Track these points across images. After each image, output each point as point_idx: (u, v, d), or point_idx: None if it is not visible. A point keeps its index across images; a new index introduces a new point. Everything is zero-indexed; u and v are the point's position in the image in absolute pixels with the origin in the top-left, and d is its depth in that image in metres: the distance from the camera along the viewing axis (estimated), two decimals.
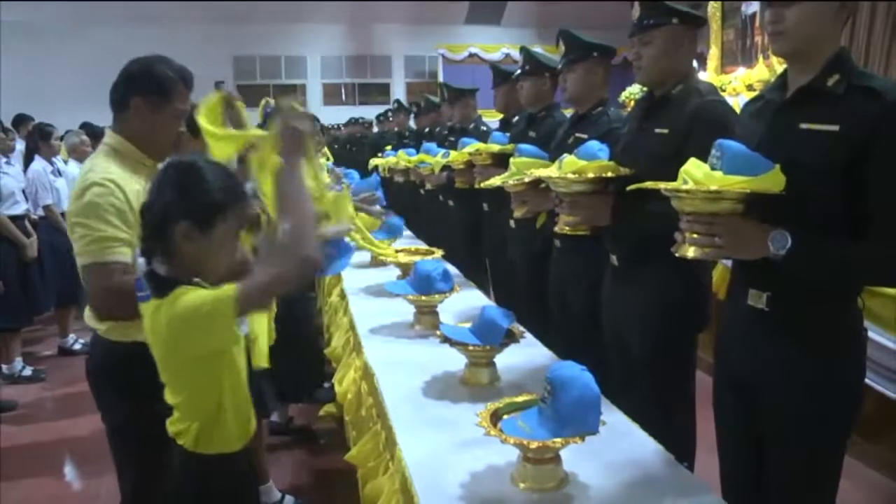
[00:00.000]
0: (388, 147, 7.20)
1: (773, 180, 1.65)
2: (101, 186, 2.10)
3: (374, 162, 6.53)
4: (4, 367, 5.48)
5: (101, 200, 2.08)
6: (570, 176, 2.32)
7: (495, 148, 3.69)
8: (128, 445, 2.19)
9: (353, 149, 10.70)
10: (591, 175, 2.31)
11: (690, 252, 1.75)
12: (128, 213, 2.09)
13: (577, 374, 1.70)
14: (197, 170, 1.70)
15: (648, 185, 1.86)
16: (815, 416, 1.79)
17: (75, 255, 2.11)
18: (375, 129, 9.78)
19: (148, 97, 2.22)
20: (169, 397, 1.75)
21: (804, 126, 1.75)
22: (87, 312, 2.23)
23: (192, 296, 1.59)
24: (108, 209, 2.07)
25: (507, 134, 3.90)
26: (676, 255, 1.79)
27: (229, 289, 1.59)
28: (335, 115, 16.07)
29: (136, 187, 2.13)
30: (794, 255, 1.66)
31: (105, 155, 2.23)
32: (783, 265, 1.68)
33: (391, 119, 9.51)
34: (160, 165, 2.01)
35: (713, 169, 1.71)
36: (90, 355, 2.32)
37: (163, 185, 1.68)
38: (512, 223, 3.73)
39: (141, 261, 1.68)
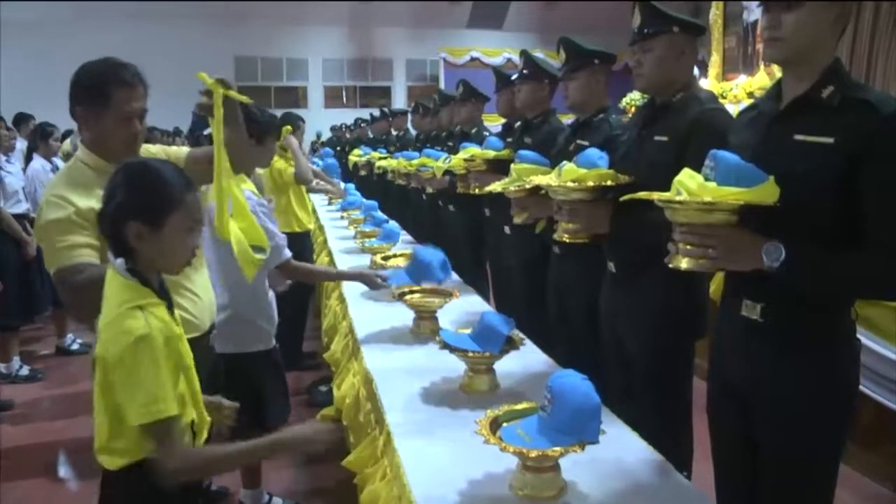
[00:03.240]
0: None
1: (767, 192, 1.65)
2: (51, 204, 2.16)
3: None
4: (2, 366, 5.47)
5: (56, 215, 2.14)
6: (570, 184, 2.32)
7: (490, 154, 3.70)
8: None
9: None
10: (590, 183, 2.31)
11: (684, 263, 1.75)
12: (84, 221, 2.13)
13: (578, 383, 1.70)
14: (143, 170, 1.73)
15: (642, 195, 1.85)
16: (810, 425, 1.80)
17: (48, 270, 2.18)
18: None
19: (87, 105, 2.22)
20: (100, 402, 1.70)
21: (798, 137, 1.75)
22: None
23: (148, 355, 1.58)
24: (63, 221, 2.12)
25: (507, 139, 3.91)
26: (670, 266, 1.79)
27: (171, 411, 1.59)
28: (336, 118, 16.09)
29: (92, 202, 2.15)
30: (788, 267, 1.66)
31: (61, 175, 2.28)
32: (777, 277, 1.68)
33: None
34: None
35: (707, 180, 1.70)
36: None
37: (112, 188, 1.69)
38: (507, 229, 3.73)
39: (120, 261, 1.68)
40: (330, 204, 7.08)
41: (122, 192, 1.67)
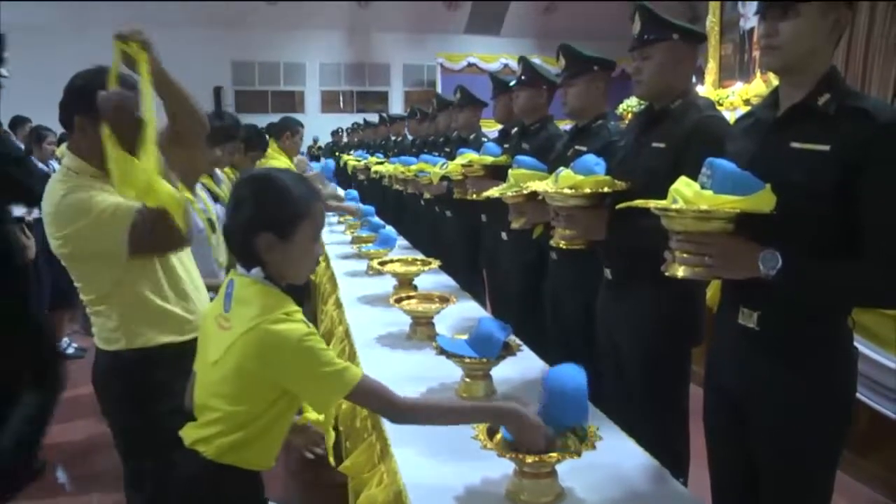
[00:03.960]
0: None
1: (763, 200, 1.65)
2: (74, 189, 2.15)
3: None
4: None
5: (80, 196, 2.13)
6: (567, 191, 2.33)
7: (488, 160, 3.70)
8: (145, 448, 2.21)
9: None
10: (587, 190, 2.31)
11: (680, 271, 1.75)
12: (98, 176, 2.18)
13: (568, 372, 1.77)
14: (271, 181, 1.73)
15: (639, 203, 1.86)
16: (807, 433, 1.80)
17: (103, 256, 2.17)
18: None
19: (85, 113, 2.19)
20: (213, 402, 1.71)
21: (795, 145, 1.76)
22: (97, 333, 2.31)
23: (317, 344, 1.62)
24: (91, 194, 2.13)
25: (504, 145, 3.91)
26: (667, 274, 1.79)
27: (356, 373, 1.64)
28: (333, 123, 16.11)
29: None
30: (784, 275, 1.66)
31: (56, 179, 2.24)
32: (774, 285, 1.68)
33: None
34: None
35: (703, 188, 1.70)
36: (97, 366, 2.35)
37: (239, 201, 1.71)
38: (504, 235, 3.73)
39: (256, 271, 1.70)
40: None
41: (251, 204, 1.68)
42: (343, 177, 9.05)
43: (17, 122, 8.15)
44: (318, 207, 1.75)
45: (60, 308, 6.01)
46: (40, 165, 6.14)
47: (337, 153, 11.71)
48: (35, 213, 5.82)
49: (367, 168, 7.44)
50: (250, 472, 1.76)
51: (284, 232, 1.67)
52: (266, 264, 1.69)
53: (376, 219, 5.21)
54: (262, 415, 1.68)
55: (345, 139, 12.97)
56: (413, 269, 3.65)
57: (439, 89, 18.70)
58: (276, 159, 5.11)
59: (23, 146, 6.71)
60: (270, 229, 1.66)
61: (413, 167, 5.25)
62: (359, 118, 12.54)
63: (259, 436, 1.70)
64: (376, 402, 1.71)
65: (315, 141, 16.95)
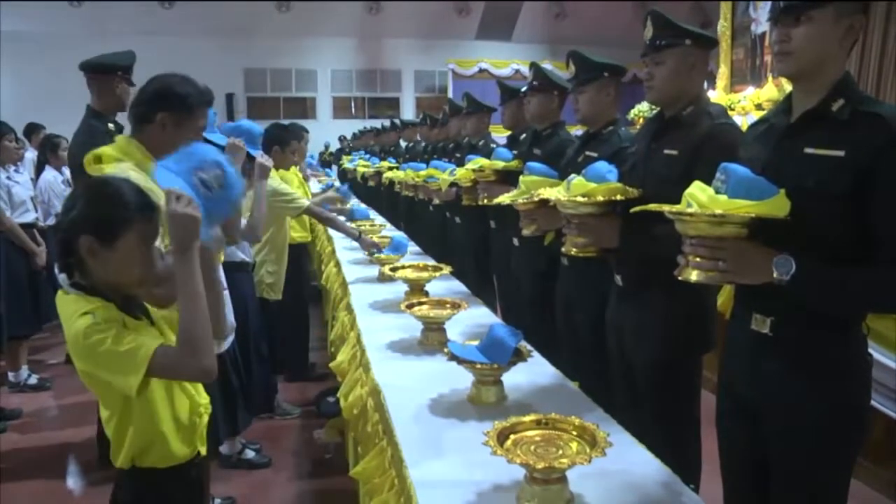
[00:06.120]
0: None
1: (777, 205, 1.65)
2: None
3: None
4: (11, 374, 5.49)
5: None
6: (579, 199, 2.32)
7: (499, 165, 3.70)
8: None
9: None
10: (600, 198, 2.31)
11: (694, 276, 1.75)
12: None
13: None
14: (104, 185, 1.74)
15: (653, 207, 1.86)
16: (821, 440, 1.79)
17: None
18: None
19: (173, 113, 2.45)
20: (102, 412, 1.77)
21: (809, 151, 1.75)
22: None
23: (103, 330, 1.61)
24: None
25: (513, 151, 3.91)
26: (680, 278, 1.78)
27: (150, 346, 1.61)
28: (345, 129, 16.15)
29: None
30: (798, 280, 1.65)
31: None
32: (787, 290, 1.68)
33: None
34: None
35: (718, 192, 1.71)
36: None
37: (71, 201, 1.70)
38: (515, 241, 3.73)
39: (62, 276, 1.69)
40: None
41: (80, 205, 1.68)
42: (342, 179, 9.15)
43: (32, 129, 8.21)
44: (147, 220, 1.71)
45: None
46: (55, 173, 6.16)
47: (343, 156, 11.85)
48: (50, 220, 5.87)
49: (379, 173, 7.46)
50: (169, 470, 1.81)
51: (106, 237, 1.65)
52: (86, 267, 1.68)
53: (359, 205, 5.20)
54: (130, 408, 1.71)
55: (352, 144, 13.12)
56: (424, 274, 3.64)
57: (450, 95, 18.70)
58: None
59: (37, 153, 6.74)
60: (92, 232, 1.65)
61: (423, 173, 5.26)
62: (370, 124, 12.57)
63: (146, 429, 1.75)
64: (173, 373, 1.69)
65: (326, 147, 16.98)
